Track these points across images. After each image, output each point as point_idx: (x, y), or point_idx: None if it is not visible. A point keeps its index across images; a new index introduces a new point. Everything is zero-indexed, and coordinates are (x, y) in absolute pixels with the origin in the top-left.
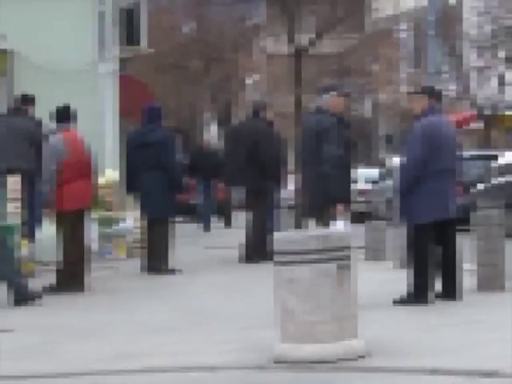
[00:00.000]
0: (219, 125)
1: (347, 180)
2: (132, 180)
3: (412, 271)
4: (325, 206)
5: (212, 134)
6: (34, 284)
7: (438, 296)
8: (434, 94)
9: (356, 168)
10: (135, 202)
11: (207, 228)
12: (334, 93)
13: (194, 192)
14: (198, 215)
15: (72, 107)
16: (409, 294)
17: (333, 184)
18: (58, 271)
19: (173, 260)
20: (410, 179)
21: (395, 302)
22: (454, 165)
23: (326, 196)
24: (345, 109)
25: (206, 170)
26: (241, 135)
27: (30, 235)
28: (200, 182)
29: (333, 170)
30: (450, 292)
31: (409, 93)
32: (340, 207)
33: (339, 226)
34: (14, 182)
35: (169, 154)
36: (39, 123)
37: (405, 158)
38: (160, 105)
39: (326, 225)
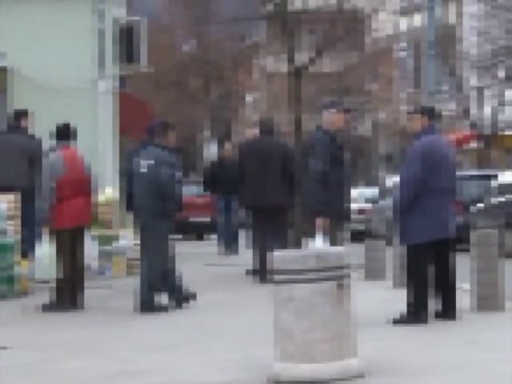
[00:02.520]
0: (219, 143)
1: (332, 196)
2: (132, 198)
3: (411, 290)
4: (309, 220)
5: (212, 152)
6: (33, 301)
7: (437, 315)
8: (432, 114)
9: (355, 187)
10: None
11: (229, 249)
12: (334, 110)
13: (213, 209)
14: (219, 235)
15: (72, 125)
16: (408, 313)
17: (313, 198)
18: (57, 289)
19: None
20: (409, 198)
21: (395, 321)
22: (453, 184)
23: (307, 210)
24: (343, 125)
25: (228, 183)
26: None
27: (30, 253)
28: (220, 198)
29: (314, 185)
30: (449, 311)
31: (408, 112)
32: (319, 222)
33: (318, 241)
34: (13, 200)
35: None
36: (39, 141)
37: (404, 177)
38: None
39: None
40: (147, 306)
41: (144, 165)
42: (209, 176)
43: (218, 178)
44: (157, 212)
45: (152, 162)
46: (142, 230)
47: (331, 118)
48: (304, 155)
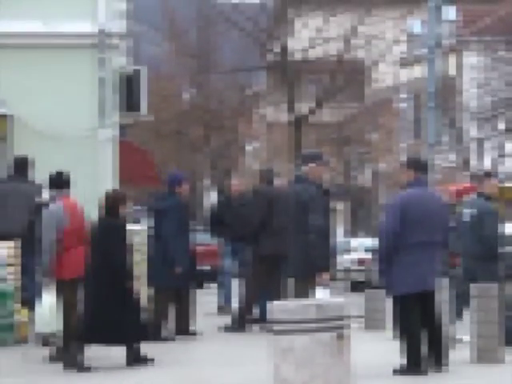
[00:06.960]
0: (219, 192)
1: (328, 249)
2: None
3: (404, 341)
4: (309, 275)
5: (212, 201)
6: (33, 354)
7: None
8: (419, 166)
9: (356, 237)
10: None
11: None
12: (318, 162)
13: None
14: (220, 285)
15: (65, 173)
16: (408, 364)
17: (318, 253)
18: (60, 340)
19: (172, 327)
20: (383, 250)
21: (395, 372)
22: (437, 238)
23: (311, 265)
24: (324, 178)
25: (236, 226)
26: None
27: (31, 304)
28: (227, 243)
29: (317, 240)
30: (436, 362)
31: (401, 164)
32: (324, 276)
33: (321, 295)
34: (13, 247)
35: (168, 223)
36: (39, 188)
37: (381, 229)
38: (177, 173)
39: (309, 294)
40: None
41: (467, 214)
42: (215, 218)
43: (224, 220)
44: (480, 256)
45: (475, 210)
46: (467, 274)
47: (317, 171)
48: (298, 209)
